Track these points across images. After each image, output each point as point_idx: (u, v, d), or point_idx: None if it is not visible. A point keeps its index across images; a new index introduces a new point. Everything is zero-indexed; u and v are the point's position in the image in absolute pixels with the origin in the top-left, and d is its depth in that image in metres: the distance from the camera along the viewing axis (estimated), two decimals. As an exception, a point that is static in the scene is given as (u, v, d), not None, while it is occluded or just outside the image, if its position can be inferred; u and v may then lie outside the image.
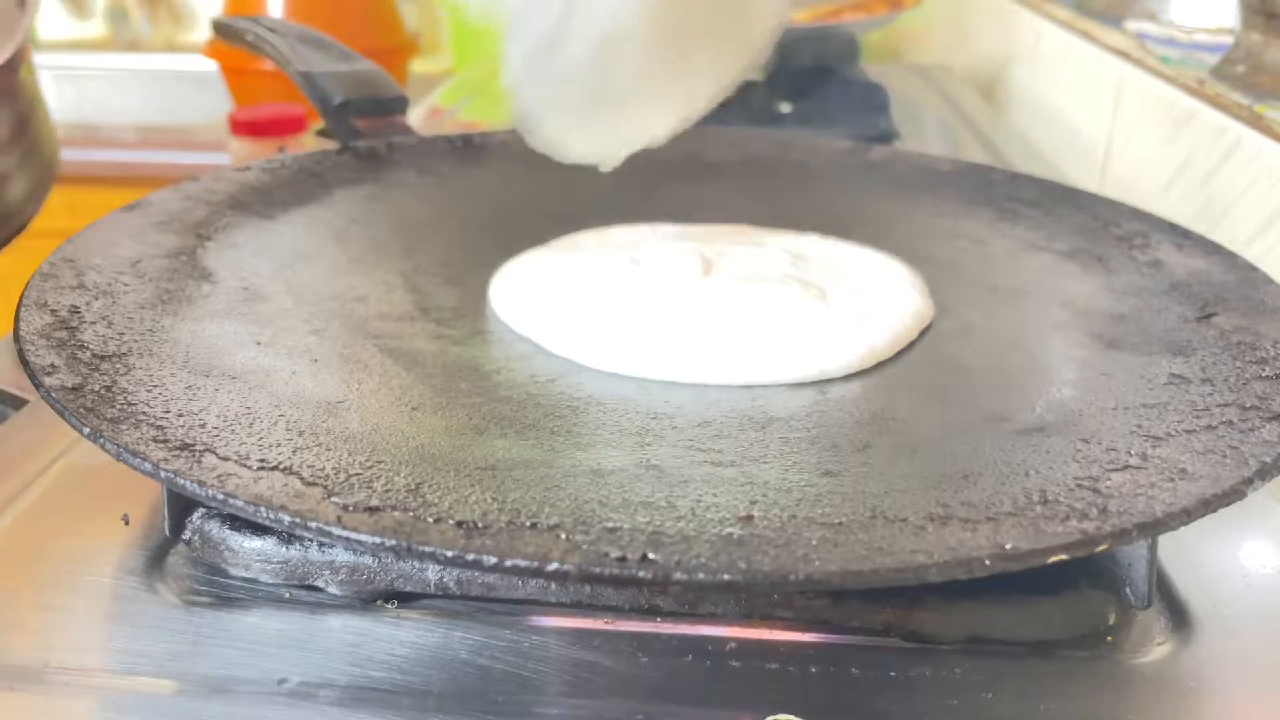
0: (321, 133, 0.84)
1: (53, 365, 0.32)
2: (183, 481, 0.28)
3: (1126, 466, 0.30)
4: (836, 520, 0.27)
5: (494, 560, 0.25)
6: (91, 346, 0.34)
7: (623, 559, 0.25)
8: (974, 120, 0.94)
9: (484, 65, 1.19)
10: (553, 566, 0.25)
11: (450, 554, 0.25)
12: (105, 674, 0.29)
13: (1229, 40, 0.67)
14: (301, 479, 0.28)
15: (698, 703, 0.29)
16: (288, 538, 0.32)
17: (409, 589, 0.32)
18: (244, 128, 0.85)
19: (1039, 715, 0.29)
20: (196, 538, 0.33)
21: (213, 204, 0.48)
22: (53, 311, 0.36)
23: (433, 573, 0.32)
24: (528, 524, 0.27)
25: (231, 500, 0.27)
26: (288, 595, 0.32)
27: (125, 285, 0.39)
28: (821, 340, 0.40)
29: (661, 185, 0.56)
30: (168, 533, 0.34)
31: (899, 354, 0.41)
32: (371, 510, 0.27)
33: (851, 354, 0.39)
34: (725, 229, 0.51)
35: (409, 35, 1.32)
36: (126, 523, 0.35)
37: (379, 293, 0.44)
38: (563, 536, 0.26)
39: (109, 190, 1.19)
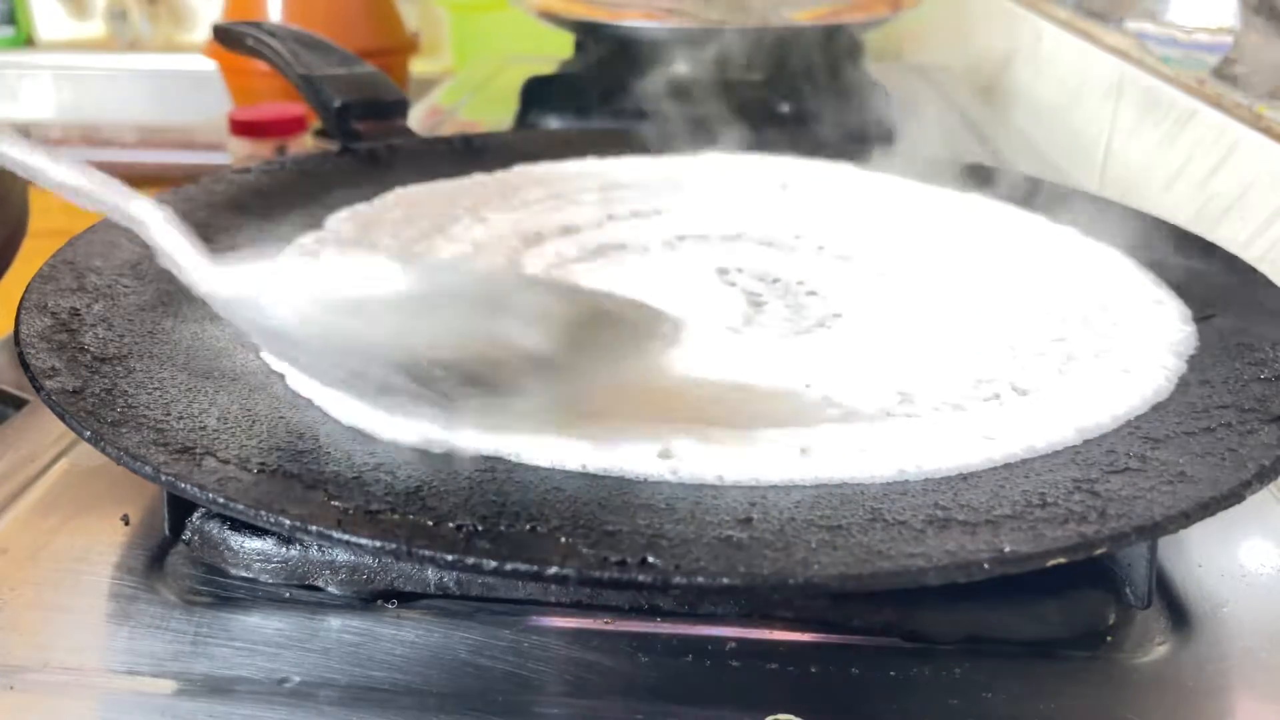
0: (320, 132, 0.85)
1: (53, 368, 0.32)
2: (183, 485, 0.28)
3: (1125, 469, 0.30)
4: (835, 523, 0.27)
5: (494, 565, 0.25)
6: (92, 349, 0.34)
7: (622, 563, 0.25)
8: (974, 120, 0.94)
9: (484, 65, 1.19)
10: (552, 571, 0.25)
11: (450, 558, 0.25)
12: (105, 674, 0.29)
13: (1229, 40, 0.67)
14: (302, 482, 0.28)
15: (698, 703, 0.29)
16: (287, 538, 0.32)
17: (409, 589, 0.32)
18: (244, 128, 0.85)
19: (1039, 715, 0.29)
20: (196, 538, 0.33)
21: (213, 206, 0.48)
22: (53, 314, 0.36)
23: (433, 573, 0.32)
24: (528, 527, 0.27)
25: (232, 504, 0.27)
26: (288, 595, 0.32)
27: (125, 287, 0.39)
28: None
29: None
30: (167, 533, 0.34)
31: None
32: (371, 514, 0.27)
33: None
34: None
35: (409, 35, 1.32)
36: (126, 523, 0.35)
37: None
38: (562, 540, 0.26)
39: (109, 190, 1.19)
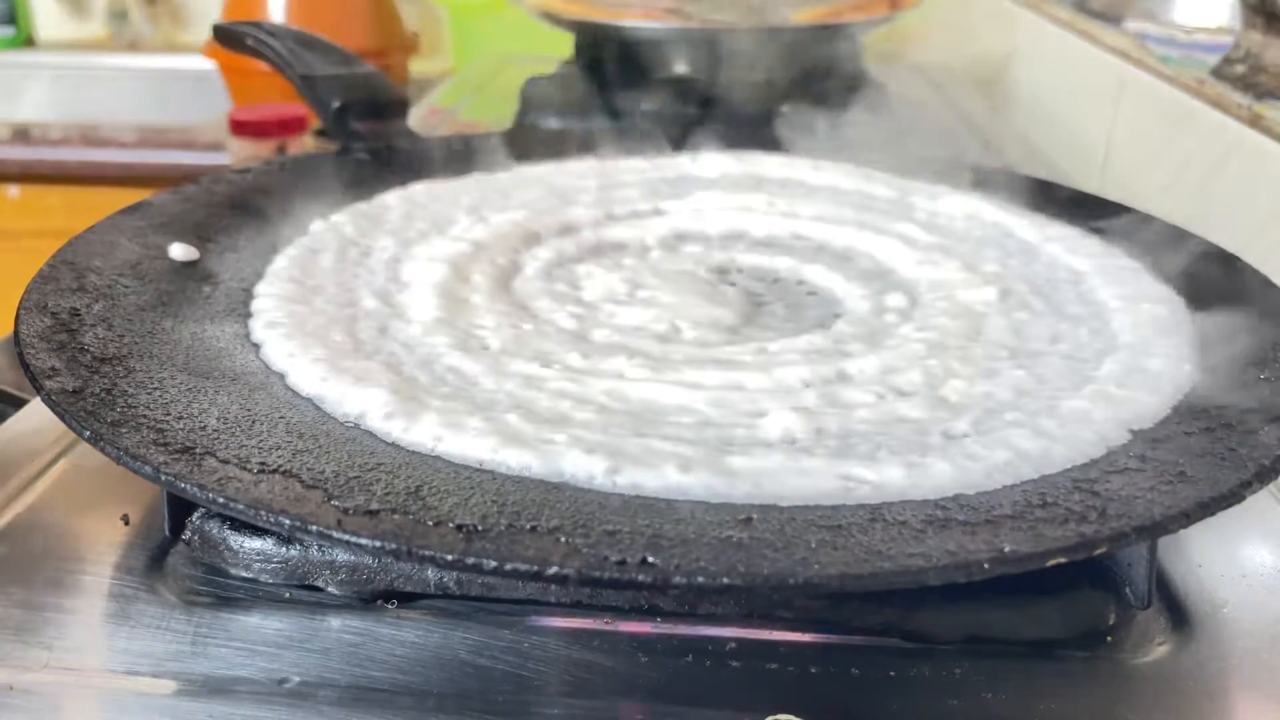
0: (320, 132, 0.85)
1: (53, 368, 0.32)
2: (183, 485, 0.28)
3: (1125, 469, 0.30)
4: (836, 523, 0.27)
5: (494, 564, 0.25)
6: (92, 349, 0.34)
7: (622, 563, 0.25)
8: (974, 120, 0.94)
9: (484, 65, 1.19)
10: (552, 571, 0.25)
11: (450, 558, 0.25)
12: (105, 674, 0.29)
13: (1229, 40, 0.67)
14: (301, 482, 0.28)
15: (698, 703, 0.29)
16: (287, 538, 0.32)
17: (409, 589, 0.32)
18: (244, 128, 0.85)
19: (1039, 715, 0.29)
20: (196, 538, 0.33)
21: (212, 206, 0.48)
22: (53, 314, 0.36)
23: (433, 573, 0.32)
24: (528, 527, 0.27)
25: (232, 504, 0.27)
26: (288, 595, 0.32)
27: (125, 287, 0.39)
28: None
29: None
30: (168, 533, 0.34)
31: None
32: (371, 514, 0.27)
33: None
34: None
35: (409, 35, 1.32)
36: (126, 523, 0.35)
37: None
38: (562, 540, 0.26)
39: (109, 190, 1.19)
